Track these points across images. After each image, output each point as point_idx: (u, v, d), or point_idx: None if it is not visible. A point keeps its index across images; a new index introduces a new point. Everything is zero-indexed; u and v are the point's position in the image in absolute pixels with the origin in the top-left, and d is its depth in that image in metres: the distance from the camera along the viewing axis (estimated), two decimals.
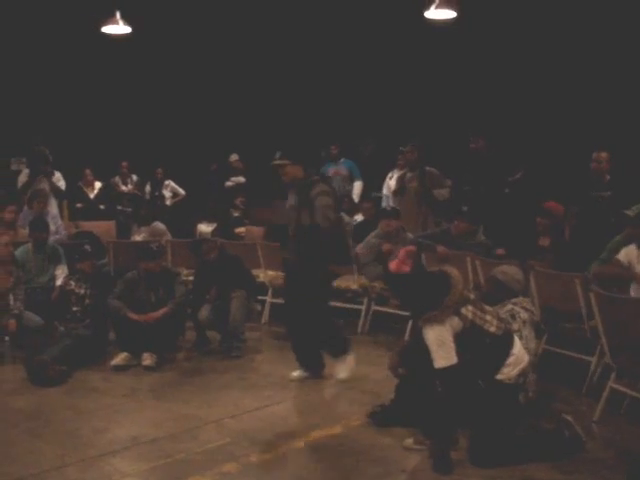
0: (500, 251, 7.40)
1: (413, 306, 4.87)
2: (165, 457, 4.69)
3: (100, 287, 7.23)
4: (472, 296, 4.77)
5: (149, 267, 7.04)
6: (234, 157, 12.90)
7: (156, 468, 4.53)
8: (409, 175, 9.40)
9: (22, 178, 9.78)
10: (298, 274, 6.05)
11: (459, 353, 4.48)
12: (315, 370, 6.33)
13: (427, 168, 9.26)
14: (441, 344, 4.45)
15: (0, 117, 13.13)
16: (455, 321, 4.52)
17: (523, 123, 10.62)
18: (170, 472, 4.47)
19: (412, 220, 8.97)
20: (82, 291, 7.20)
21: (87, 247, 7.57)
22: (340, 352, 6.27)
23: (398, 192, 9.46)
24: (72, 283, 7.27)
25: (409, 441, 4.86)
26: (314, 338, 6.20)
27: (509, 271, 5.67)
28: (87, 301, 7.16)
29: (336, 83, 12.85)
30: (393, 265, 4.71)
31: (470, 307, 4.61)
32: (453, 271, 4.73)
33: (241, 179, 12.75)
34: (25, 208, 9.37)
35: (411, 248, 4.93)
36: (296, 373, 6.31)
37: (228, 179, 12.80)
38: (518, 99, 10.87)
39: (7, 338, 7.03)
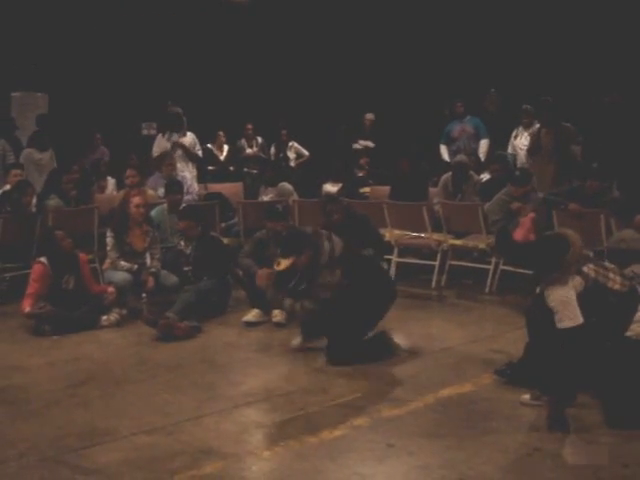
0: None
1: (535, 270, 4.75)
2: (298, 409, 4.81)
3: (205, 248, 7.37)
4: (591, 254, 4.67)
5: (274, 227, 7.16)
6: (370, 116, 12.66)
7: (290, 420, 4.66)
8: (544, 131, 9.04)
9: (162, 144, 10.00)
10: None
11: (584, 315, 4.37)
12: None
13: (563, 124, 8.92)
14: (566, 304, 4.36)
15: (131, 83, 13.59)
16: (577, 280, 4.43)
17: None
18: (303, 424, 4.58)
19: (546, 178, 8.71)
20: (188, 251, 7.41)
21: (183, 207, 7.84)
22: None
23: (532, 149, 9.14)
24: (182, 243, 7.49)
25: (526, 397, 4.83)
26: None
27: (628, 236, 5.51)
28: (191, 260, 7.36)
29: (461, 38, 12.62)
30: (519, 235, 4.66)
31: (591, 265, 4.53)
32: (568, 231, 4.66)
33: (370, 144, 12.56)
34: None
35: (533, 215, 4.89)
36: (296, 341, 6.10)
37: (356, 141, 12.61)
38: None
39: (144, 295, 7.31)
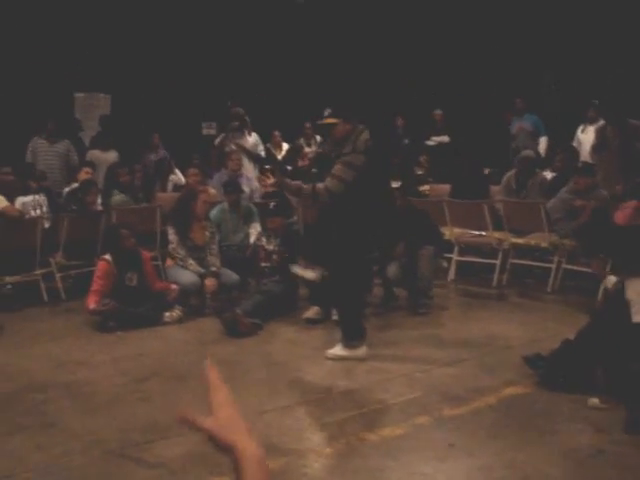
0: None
1: (621, 258, 4.60)
2: (359, 407, 4.81)
3: (289, 244, 7.45)
4: None
5: None
6: (438, 112, 12.43)
7: (352, 418, 4.66)
8: (609, 129, 8.79)
9: (226, 143, 10.09)
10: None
11: None
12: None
13: (629, 120, 8.70)
14: None
15: (191, 84, 13.74)
16: None
17: None
18: (365, 422, 4.59)
19: (613, 176, 8.51)
20: (271, 247, 7.44)
21: (274, 204, 7.81)
22: (351, 336, 5.80)
23: (598, 147, 8.90)
24: (263, 239, 7.54)
25: (594, 400, 4.75)
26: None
27: None
28: (274, 257, 7.39)
29: (521, 35, 12.46)
30: (621, 218, 4.54)
31: None
32: None
33: (445, 138, 12.25)
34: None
35: (638, 203, 4.79)
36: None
37: (429, 137, 12.30)
38: None
39: (208, 295, 7.36)
